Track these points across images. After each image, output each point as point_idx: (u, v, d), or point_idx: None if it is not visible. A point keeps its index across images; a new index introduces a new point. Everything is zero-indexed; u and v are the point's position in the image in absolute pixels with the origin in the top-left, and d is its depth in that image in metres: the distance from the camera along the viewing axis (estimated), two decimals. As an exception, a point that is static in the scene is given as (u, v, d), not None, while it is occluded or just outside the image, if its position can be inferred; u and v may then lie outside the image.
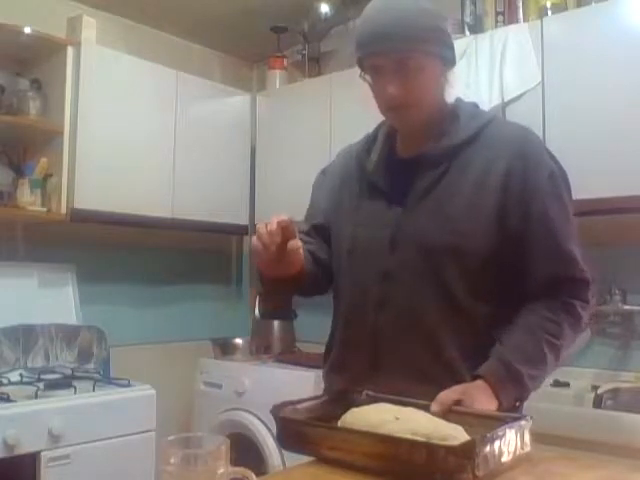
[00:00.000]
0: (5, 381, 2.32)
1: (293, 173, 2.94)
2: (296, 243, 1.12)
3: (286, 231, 1.10)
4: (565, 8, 2.33)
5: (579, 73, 2.15)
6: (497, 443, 0.87)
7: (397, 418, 0.94)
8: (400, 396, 1.06)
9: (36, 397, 2.14)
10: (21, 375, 2.42)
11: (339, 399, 1.13)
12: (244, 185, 3.26)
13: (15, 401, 2.09)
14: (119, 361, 2.74)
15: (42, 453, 2.06)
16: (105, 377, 2.55)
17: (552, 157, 1.26)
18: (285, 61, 3.36)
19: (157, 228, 2.97)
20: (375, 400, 1.07)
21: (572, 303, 1.19)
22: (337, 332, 1.36)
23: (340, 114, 2.83)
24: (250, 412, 2.67)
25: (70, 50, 2.61)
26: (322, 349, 1.42)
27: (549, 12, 2.34)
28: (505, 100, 2.31)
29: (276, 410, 1.02)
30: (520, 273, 1.21)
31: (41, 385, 2.25)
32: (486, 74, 2.37)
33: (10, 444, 1.97)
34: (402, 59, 1.18)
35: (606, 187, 2.05)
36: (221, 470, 0.77)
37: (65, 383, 2.32)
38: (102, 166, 2.65)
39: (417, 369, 1.20)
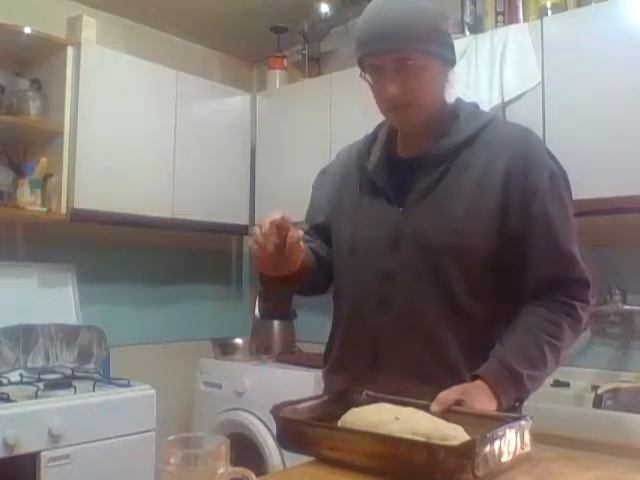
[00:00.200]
0: (5, 381, 2.32)
1: (293, 173, 2.94)
2: (296, 233, 1.11)
3: (281, 228, 1.09)
4: (565, 8, 2.33)
5: (579, 73, 2.15)
6: (497, 443, 0.87)
7: (397, 418, 0.94)
8: (400, 396, 1.06)
9: (36, 397, 2.14)
10: (21, 375, 2.42)
11: (339, 399, 1.13)
12: (244, 185, 3.26)
13: (15, 401, 2.09)
14: (119, 361, 2.74)
15: (42, 453, 2.06)
16: (105, 377, 2.55)
17: (552, 157, 1.26)
18: (285, 61, 3.36)
19: (157, 228, 2.97)
20: (375, 400, 1.07)
21: (572, 304, 1.19)
22: (337, 332, 1.36)
23: (340, 114, 2.83)
24: (250, 412, 2.67)
25: (70, 50, 2.61)
26: (322, 349, 1.42)
27: (549, 12, 2.34)
28: (505, 100, 2.31)
29: (276, 410, 1.02)
30: (520, 273, 1.21)
31: (41, 385, 2.25)
32: (486, 74, 2.37)
33: (10, 444, 1.97)
34: (402, 59, 1.18)
35: (606, 187, 2.05)
36: (221, 470, 0.77)
37: (65, 383, 2.31)
38: (102, 166, 2.65)
39: (417, 369, 1.20)
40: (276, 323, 3.08)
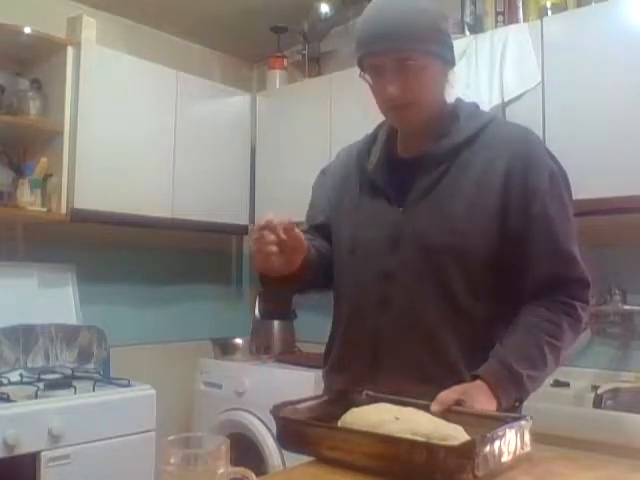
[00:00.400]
0: (5, 381, 2.32)
1: (293, 173, 2.94)
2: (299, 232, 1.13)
3: (286, 229, 1.11)
4: (565, 8, 2.33)
5: (579, 73, 2.15)
6: (497, 443, 0.87)
7: (397, 418, 0.94)
8: (400, 396, 1.06)
9: (36, 397, 2.14)
10: (21, 375, 2.42)
11: (339, 399, 1.12)
12: (244, 185, 3.26)
13: (15, 401, 2.09)
14: (119, 361, 2.74)
15: (42, 453, 2.06)
16: (105, 377, 2.55)
17: (552, 157, 1.26)
18: (285, 61, 3.36)
19: (157, 228, 2.97)
20: (375, 400, 1.07)
21: (572, 304, 1.19)
22: (337, 332, 1.36)
23: (340, 114, 2.83)
24: (250, 412, 2.67)
25: (70, 50, 2.61)
26: (322, 349, 1.41)
27: (549, 12, 2.34)
28: (505, 100, 2.31)
29: (276, 410, 1.02)
30: (520, 273, 1.21)
31: (41, 385, 2.25)
32: (486, 74, 2.37)
33: (10, 444, 1.97)
34: (402, 59, 1.18)
35: (606, 187, 2.05)
36: (221, 470, 0.77)
37: (65, 383, 2.32)
38: (102, 166, 2.65)
39: (417, 369, 1.20)
40: (276, 323, 3.08)
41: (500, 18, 2.47)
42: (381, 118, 1.35)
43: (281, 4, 3.03)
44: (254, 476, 0.79)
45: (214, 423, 2.77)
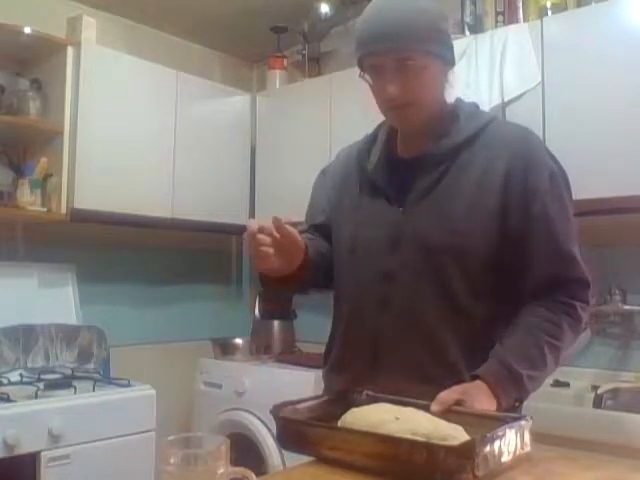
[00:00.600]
0: (5, 381, 2.32)
1: (293, 173, 2.94)
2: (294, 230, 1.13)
3: (279, 228, 1.11)
4: (565, 8, 2.33)
5: (579, 73, 2.15)
6: (497, 443, 0.87)
7: (397, 418, 0.94)
8: (400, 396, 1.06)
9: (36, 397, 2.14)
10: (21, 375, 2.42)
11: (339, 399, 1.12)
12: (244, 185, 3.26)
13: (15, 401, 2.09)
14: (119, 361, 2.74)
15: (42, 453, 2.06)
16: (105, 377, 2.55)
17: (552, 157, 1.26)
18: (285, 61, 3.36)
19: (157, 228, 2.97)
20: (375, 400, 1.07)
21: (572, 304, 1.19)
22: (337, 332, 1.36)
23: (340, 114, 2.83)
24: (250, 412, 2.67)
25: (70, 50, 2.61)
26: (322, 349, 1.41)
27: (549, 12, 2.34)
28: (505, 100, 2.31)
29: (276, 410, 1.02)
30: (520, 273, 1.21)
31: (41, 385, 2.25)
32: (486, 74, 2.37)
33: (10, 444, 1.97)
34: (402, 59, 1.18)
35: (606, 187, 2.05)
36: (221, 470, 0.77)
37: (65, 383, 2.31)
38: (102, 166, 2.65)
39: (417, 369, 1.20)
40: (276, 323, 3.08)
41: (500, 18, 2.47)
42: (381, 118, 1.35)
43: (281, 4, 3.03)
44: (254, 476, 0.79)
45: (214, 423, 2.77)
